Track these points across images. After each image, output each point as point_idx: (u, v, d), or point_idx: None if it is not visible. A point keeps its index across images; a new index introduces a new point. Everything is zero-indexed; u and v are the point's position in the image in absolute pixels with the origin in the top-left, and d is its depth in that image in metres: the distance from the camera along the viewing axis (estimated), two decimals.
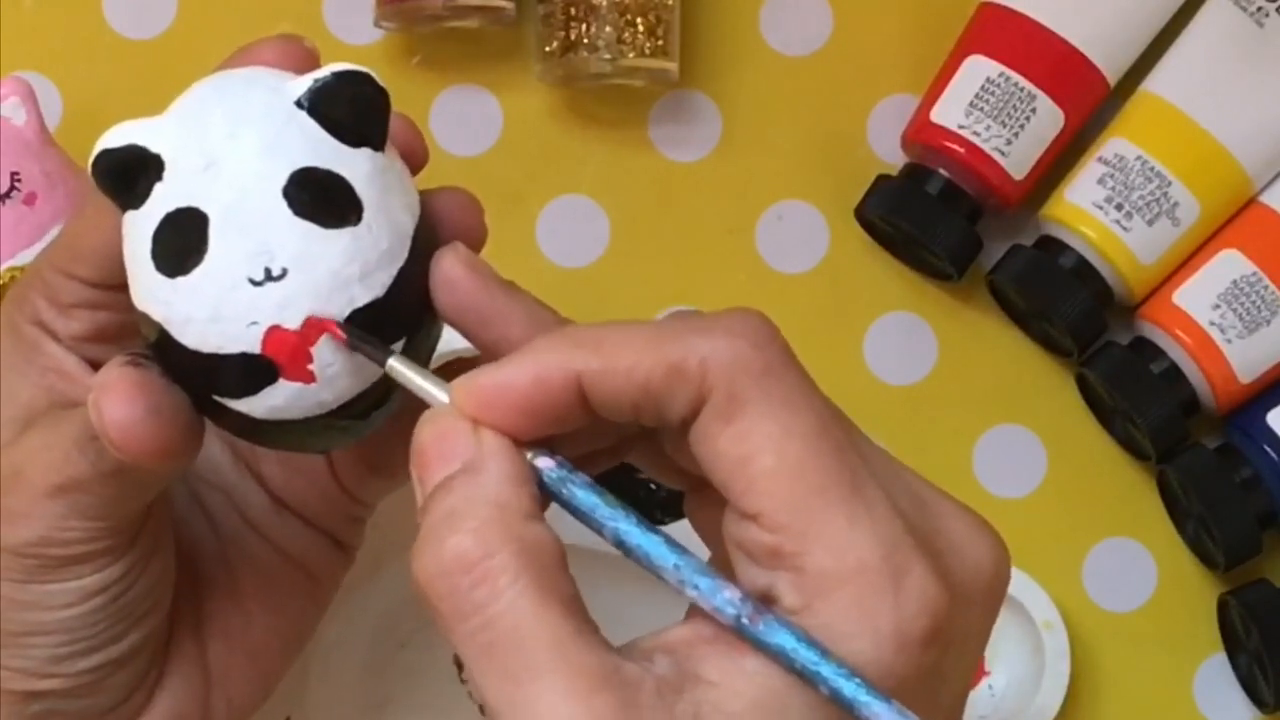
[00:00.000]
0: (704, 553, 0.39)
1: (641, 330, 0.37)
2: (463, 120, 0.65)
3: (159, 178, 0.38)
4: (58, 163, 0.59)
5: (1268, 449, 0.62)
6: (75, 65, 0.64)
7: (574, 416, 0.38)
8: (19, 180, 0.58)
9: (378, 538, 0.50)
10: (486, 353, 0.40)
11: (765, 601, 0.36)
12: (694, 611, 0.37)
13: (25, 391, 0.42)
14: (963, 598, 0.37)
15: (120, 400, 0.38)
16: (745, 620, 0.35)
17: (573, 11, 0.62)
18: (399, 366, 0.39)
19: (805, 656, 0.35)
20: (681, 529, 0.42)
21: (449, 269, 0.40)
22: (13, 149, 0.58)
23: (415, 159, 0.42)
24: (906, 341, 0.65)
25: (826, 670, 0.35)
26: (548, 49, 0.63)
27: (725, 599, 0.36)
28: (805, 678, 0.35)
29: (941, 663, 0.36)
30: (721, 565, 0.38)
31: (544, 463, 0.38)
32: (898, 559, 0.36)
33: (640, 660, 0.36)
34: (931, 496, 0.39)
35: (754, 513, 0.36)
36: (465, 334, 0.41)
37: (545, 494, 0.38)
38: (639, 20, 0.62)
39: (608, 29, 0.62)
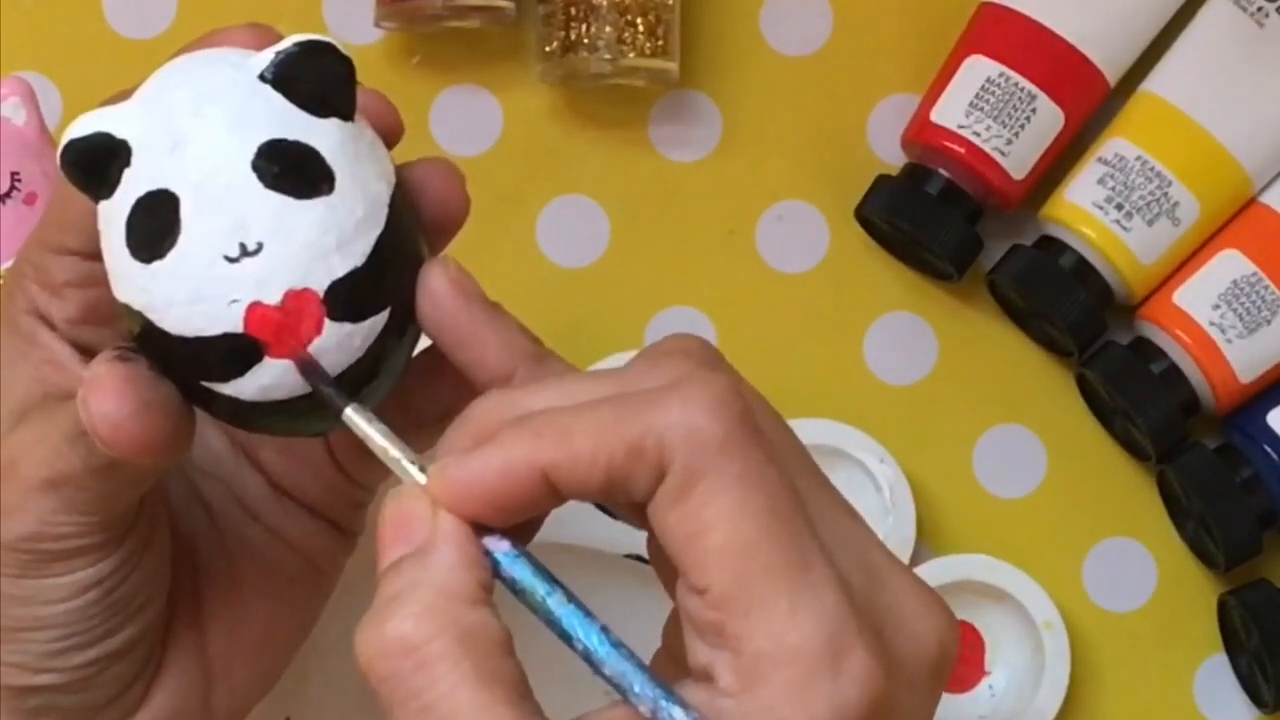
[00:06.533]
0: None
1: (601, 411, 0.37)
2: (463, 120, 0.65)
3: (127, 163, 0.38)
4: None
5: (1268, 449, 0.62)
6: (75, 65, 0.64)
7: (546, 503, 0.38)
8: (19, 180, 0.58)
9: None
10: (461, 371, 0.41)
11: (705, 680, 0.36)
12: None
13: (21, 384, 0.42)
14: (905, 677, 0.37)
15: (108, 396, 0.38)
16: None
17: (573, 11, 0.62)
18: (354, 417, 0.39)
19: None
20: None
21: (434, 283, 0.40)
22: (13, 149, 0.58)
23: (391, 133, 0.42)
24: (906, 341, 0.65)
25: None
26: (548, 49, 0.63)
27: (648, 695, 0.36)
28: None
29: None
30: (677, 623, 0.38)
31: (495, 544, 0.38)
32: (839, 642, 0.36)
33: None
34: (886, 568, 0.39)
35: (701, 588, 0.36)
36: (443, 350, 0.41)
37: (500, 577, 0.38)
38: (639, 20, 0.62)
39: (608, 29, 0.62)
